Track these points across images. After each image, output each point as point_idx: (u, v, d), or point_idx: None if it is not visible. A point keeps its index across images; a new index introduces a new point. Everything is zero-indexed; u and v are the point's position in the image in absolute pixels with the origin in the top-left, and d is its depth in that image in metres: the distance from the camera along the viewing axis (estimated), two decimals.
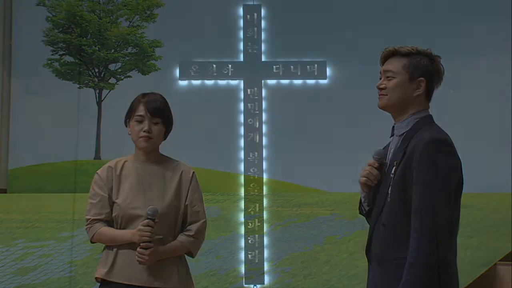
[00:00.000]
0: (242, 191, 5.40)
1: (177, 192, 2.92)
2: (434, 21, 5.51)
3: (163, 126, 2.94)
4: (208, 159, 5.39)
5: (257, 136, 5.46)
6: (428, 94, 2.50)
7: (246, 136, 5.46)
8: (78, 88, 5.59)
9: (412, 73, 2.47)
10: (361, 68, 5.25)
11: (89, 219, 2.93)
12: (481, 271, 5.23)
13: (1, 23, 5.71)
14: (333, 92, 5.51)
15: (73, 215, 5.33)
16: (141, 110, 2.92)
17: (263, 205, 5.38)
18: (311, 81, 5.57)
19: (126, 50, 5.65)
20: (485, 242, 5.33)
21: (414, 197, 2.30)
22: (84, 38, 5.65)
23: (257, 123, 5.47)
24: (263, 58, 5.58)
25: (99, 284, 2.90)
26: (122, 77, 5.62)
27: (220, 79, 5.56)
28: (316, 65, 5.54)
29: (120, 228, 2.89)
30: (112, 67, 5.64)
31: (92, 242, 2.97)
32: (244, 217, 5.36)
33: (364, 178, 2.50)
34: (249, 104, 5.49)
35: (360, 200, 2.61)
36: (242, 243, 5.32)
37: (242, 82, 5.54)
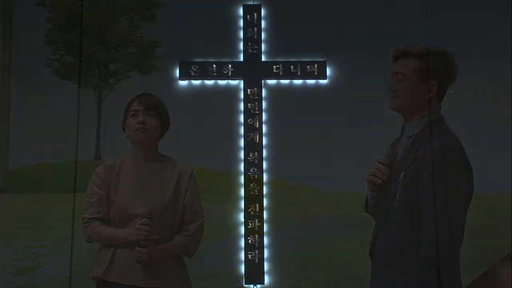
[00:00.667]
0: (242, 191, 5.40)
1: (175, 191, 2.90)
2: (434, 21, 5.50)
3: (158, 119, 2.91)
4: (208, 159, 5.38)
5: (257, 136, 5.45)
6: (440, 95, 2.48)
7: (246, 136, 5.45)
8: (78, 88, 5.58)
9: (423, 77, 2.44)
10: (361, 68, 5.24)
11: (86, 217, 2.91)
12: (481, 271, 5.23)
13: (1, 23, 5.71)
14: (333, 92, 5.51)
15: (73, 215, 5.31)
16: (135, 106, 2.92)
17: (263, 205, 5.37)
18: (311, 81, 5.57)
19: (126, 50, 5.65)
20: (485, 242, 5.32)
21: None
22: (84, 38, 5.64)
23: (257, 123, 5.46)
24: (263, 58, 5.57)
25: (96, 284, 2.89)
26: (122, 77, 5.62)
27: (220, 79, 5.55)
28: (316, 65, 5.53)
29: (117, 227, 2.87)
30: (112, 67, 5.63)
31: (88, 242, 2.95)
32: (244, 217, 5.34)
33: (371, 176, 2.47)
34: (249, 104, 5.48)
35: (367, 198, 2.59)
36: (242, 243, 5.31)
37: (242, 82, 5.53)
